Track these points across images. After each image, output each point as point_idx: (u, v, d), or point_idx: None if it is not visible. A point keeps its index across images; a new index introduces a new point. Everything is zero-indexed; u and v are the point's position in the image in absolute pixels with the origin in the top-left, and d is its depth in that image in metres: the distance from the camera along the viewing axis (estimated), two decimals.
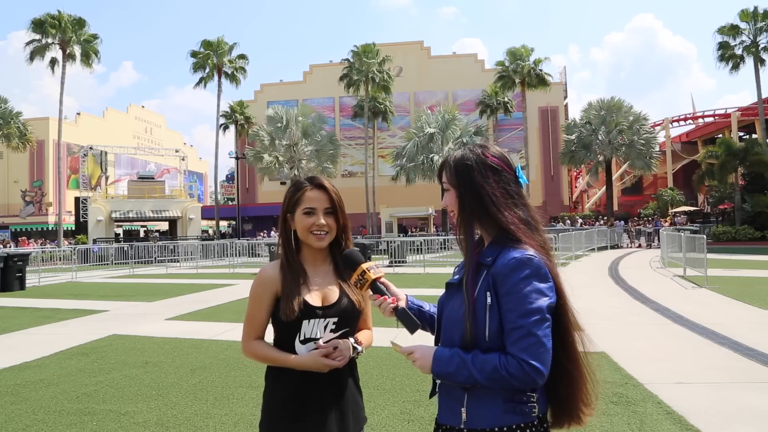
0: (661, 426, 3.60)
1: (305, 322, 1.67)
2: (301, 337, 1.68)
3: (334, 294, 1.74)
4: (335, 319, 1.71)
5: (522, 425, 1.35)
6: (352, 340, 1.72)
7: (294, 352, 1.68)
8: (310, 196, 1.73)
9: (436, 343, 1.49)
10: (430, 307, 1.69)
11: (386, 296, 1.56)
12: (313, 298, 1.70)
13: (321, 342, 1.67)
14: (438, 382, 1.45)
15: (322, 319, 1.69)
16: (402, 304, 1.57)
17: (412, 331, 1.53)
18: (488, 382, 1.31)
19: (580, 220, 36.13)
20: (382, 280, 1.60)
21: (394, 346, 1.50)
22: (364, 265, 1.60)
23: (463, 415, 1.36)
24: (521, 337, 1.29)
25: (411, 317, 1.52)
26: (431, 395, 1.51)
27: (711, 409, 3.88)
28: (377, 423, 3.76)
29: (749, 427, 3.55)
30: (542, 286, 1.34)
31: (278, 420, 1.68)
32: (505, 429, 1.34)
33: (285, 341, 1.70)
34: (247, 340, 1.75)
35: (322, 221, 1.71)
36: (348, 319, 1.74)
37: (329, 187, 1.75)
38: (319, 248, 1.76)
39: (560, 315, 1.40)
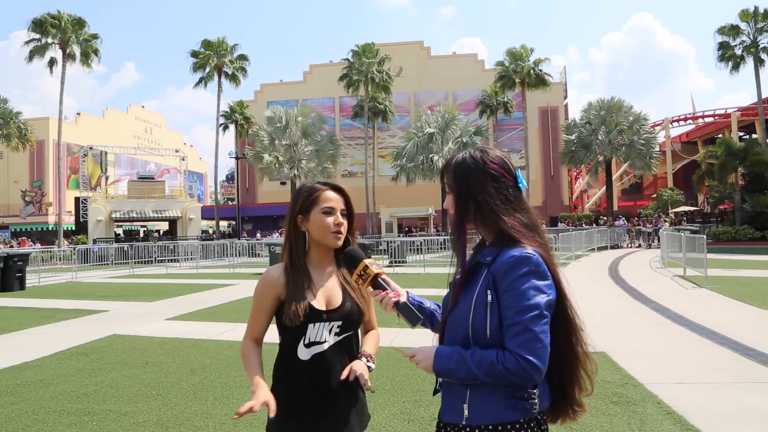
0: (661, 426, 3.60)
1: (311, 325, 1.68)
2: (306, 341, 1.69)
3: (338, 297, 1.74)
4: (339, 323, 1.72)
5: (523, 421, 1.35)
6: (364, 359, 1.74)
7: (296, 355, 1.69)
8: (329, 196, 1.75)
9: (441, 342, 1.50)
10: (431, 304, 1.70)
11: (388, 291, 1.58)
12: (318, 302, 1.71)
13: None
14: (440, 379, 1.46)
15: (327, 323, 1.70)
16: (403, 299, 1.59)
17: (413, 324, 1.55)
18: (487, 377, 1.32)
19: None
20: (383, 276, 1.62)
21: (398, 351, 1.51)
22: (366, 261, 1.62)
23: (465, 412, 1.37)
24: (518, 333, 1.30)
25: (413, 311, 1.55)
26: (435, 393, 1.52)
27: (711, 409, 3.88)
28: (377, 423, 3.76)
29: (749, 427, 3.55)
30: (540, 283, 1.35)
31: (281, 421, 1.68)
32: (507, 426, 1.35)
33: (289, 345, 1.71)
34: (244, 338, 1.79)
35: (341, 220, 1.74)
36: (352, 322, 1.75)
37: (345, 190, 1.80)
38: (333, 248, 1.78)
39: (561, 312, 1.41)
